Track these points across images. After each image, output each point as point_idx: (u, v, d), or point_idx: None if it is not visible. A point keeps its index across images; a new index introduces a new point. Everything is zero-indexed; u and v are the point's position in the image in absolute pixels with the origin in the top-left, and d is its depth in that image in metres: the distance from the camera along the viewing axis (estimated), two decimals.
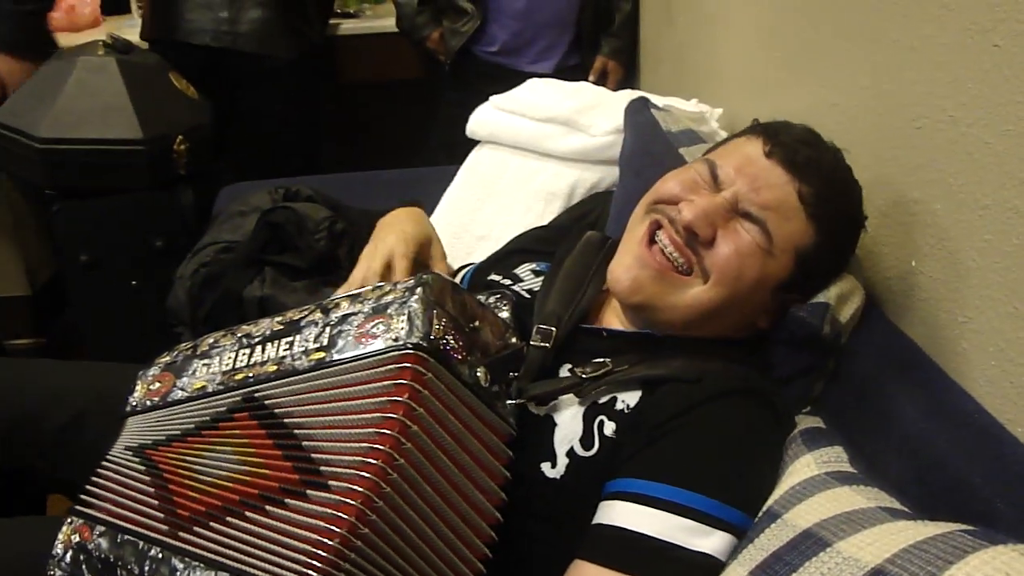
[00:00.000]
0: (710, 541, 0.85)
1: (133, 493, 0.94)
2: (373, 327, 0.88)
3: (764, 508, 0.88)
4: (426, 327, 0.86)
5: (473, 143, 1.90)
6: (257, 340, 0.98)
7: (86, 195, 2.01)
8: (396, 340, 0.86)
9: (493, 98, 1.83)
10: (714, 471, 0.89)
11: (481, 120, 1.84)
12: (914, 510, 0.82)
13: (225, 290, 1.71)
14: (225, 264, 1.74)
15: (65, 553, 0.94)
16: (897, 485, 0.88)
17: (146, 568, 0.86)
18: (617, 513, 0.88)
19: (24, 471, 1.28)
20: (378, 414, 0.82)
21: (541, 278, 1.17)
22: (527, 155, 1.77)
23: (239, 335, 1.02)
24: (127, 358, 1.30)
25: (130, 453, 0.99)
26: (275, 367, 0.92)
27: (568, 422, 0.96)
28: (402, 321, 0.86)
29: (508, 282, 1.18)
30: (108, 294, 2.11)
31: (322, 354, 0.89)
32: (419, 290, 0.89)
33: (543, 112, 1.73)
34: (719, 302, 0.98)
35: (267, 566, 0.79)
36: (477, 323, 0.94)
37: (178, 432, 0.96)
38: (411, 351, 0.84)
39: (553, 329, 1.03)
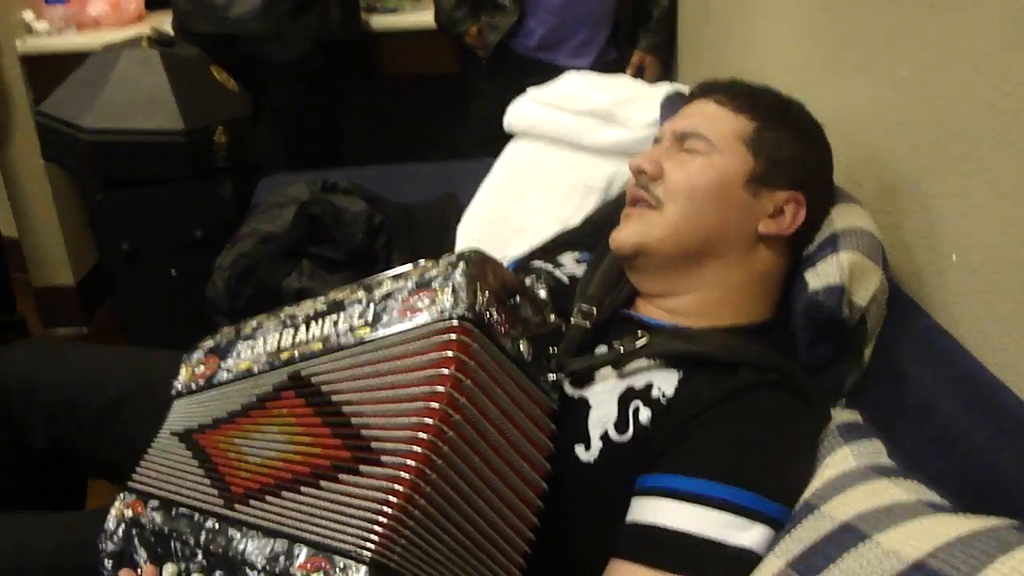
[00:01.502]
0: (749, 535, 0.85)
1: (182, 474, 0.96)
2: (417, 301, 0.89)
3: (801, 500, 0.87)
4: (470, 299, 0.86)
5: (509, 137, 1.90)
6: (301, 320, 0.99)
7: (128, 185, 2.05)
8: (441, 312, 0.86)
9: (530, 91, 1.84)
10: (749, 463, 0.89)
11: (518, 113, 1.84)
12: (954, 504, 0.81)
13: (263, 281, 1.73)
14: (263, 255, 1.76)
15: (117, 527, 0.96)
16: (936, 480, 0.86)
17: (202, 538, 0.87)
18: (653, 510, 0.88)
19: (65, 453, 1.29)
20: (426, 387, 0.82)
21: (582, 266, 1.18)
22: (564, 148, 1.77)
23: (283, 316, 1.03)
24: (166, 347, 1.32)
25: (176, 439, 1.00)
26: (320, 344, 0.93)
27: (603, 405, 0.96)
28: (447, 294, 0.87)
29: (549, 266, 1.19)
30: (148, 283, 2.15)
31: (367, 330, 0.90)
32: (462, 264, 0.90)
33: (581, 105, 1.73)
34: (687, 215, 1.03)
35: (326, 531, 0.80)
36: (518, 298, 0.94)
37: (224, 414, 0.97)
38: (456, 322, 0.85)
39: (594, 309, 1.05)
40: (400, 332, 0.88)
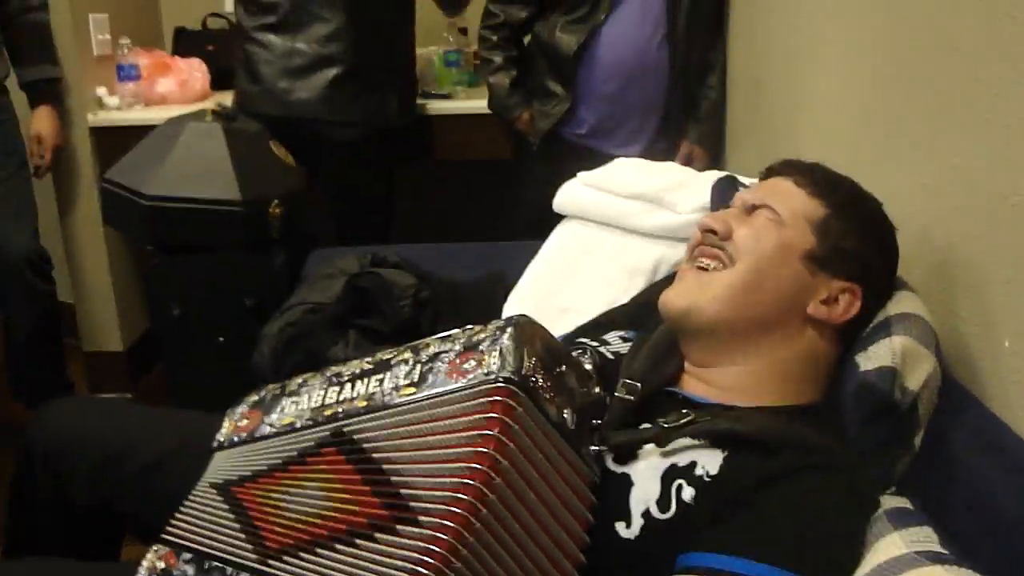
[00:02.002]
0: None
1: (217, 526, 0.95)
2: (464, 363, 0.89)
3: None
4: (517, 363, 0.86)
5: (558, 222, 1.92)
6: (347, 378, 0.99)
7: (184, 252, 2.10)
8: (487, 374, 0.86)
9: (581, 175, 1.86)
10: (792, 546, 0.87)
11: (568, 195, 1.86)
12: None
13: (309, 350, 1.74)
14: (310, 325, 1.78)
15: None
16: (991, 571, 0.83)
17: None
18: None
19: (105, 510, 1.30)
20: (469, 448, 0.82)
21: (627, 344, 1.18)
22: (612, 231, 1.78)
23: (328, 374, 1.03)
24: (213, 411, 1.33)
25: (215, 491, 1.00)
26: (365, 402, 0.94)
27: (645, 483, 0.95)
28: (494, 356, 0.87)
29: (595, 344, 1.19)
30: (197, 349, 2.18)
31: (413, 389, 0.90)
32: (510, 328, 0.90)
33: (630, 189, 1.75)
34: (748, 274, 1.04)
35: None
36: (564, 367, 0.94)
37: (264, 467, 0.97)
38: (502, 384, 0.85)
39: (638, 384, 1.04)
40: (445, 392, 0.88)
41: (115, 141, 2.59)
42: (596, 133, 2.43)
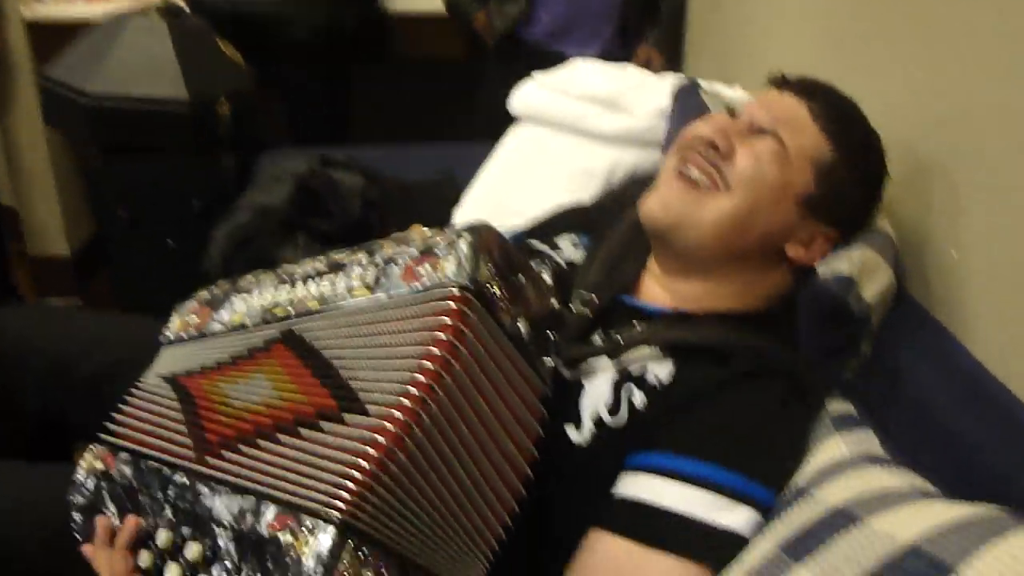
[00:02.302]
0: (734, 516, 0.85)
1: (161, 419, 0.94)
2: (419, 267, 0.87)
3: (792, 485, 0.87)
4: (473, 270, 0.85)
5: (514, 123, 1.89)
6: (299, 277, 0.98)
7: (128, 153, 2.04)
8: (443, 280, 0.85)
9: (537, 75, 1.83)
10: (737, 446, 0.89)
11: (524, 97, 1.83)
12: (947, 495, 0.80)
13: (258, 253, 1.73)
14: (259, 227, 1.76)
15: (87, 479, 0.95)
16: (930, 473, 0.86)
17: (170, 493, 0.86)
18: (638, 485, 0.88)
19: (55, 418, 1.29)
20: (421, 347, 0.81)
21: (579, 250, 1.17)
22: (568, 134, 1.76)
23: (280, 273, 1.02)
24: (161, 317, 1.31)
25: (161, 380, 0.99)
26: (316, 303, 0.92)
27: (597, 388, 0.96)
28: (450, 262, 0.85)
29: (546, 248, 1.18)
30: (145, 253, 2.14)
31: (367, 292, 0.89)
32: (468, 235, 0.88)
33: (586, 91, 1.73)
34: (743, 208, 0.99)
35: (297, 489, 0.77)
36: (522, 278, 0.93)
37: (212, 362, 0.96)
38: (457, 291, 0.83)
39: (594, 296, 1.03)
40: (399, 296, 0.87)
41: (53, 37, 2.48)
42: (553, 34, 2.39)
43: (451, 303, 0.83)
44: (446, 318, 0.82)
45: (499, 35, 2.40)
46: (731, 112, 1.07)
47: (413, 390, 0.78)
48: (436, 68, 2.90)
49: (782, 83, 1.08)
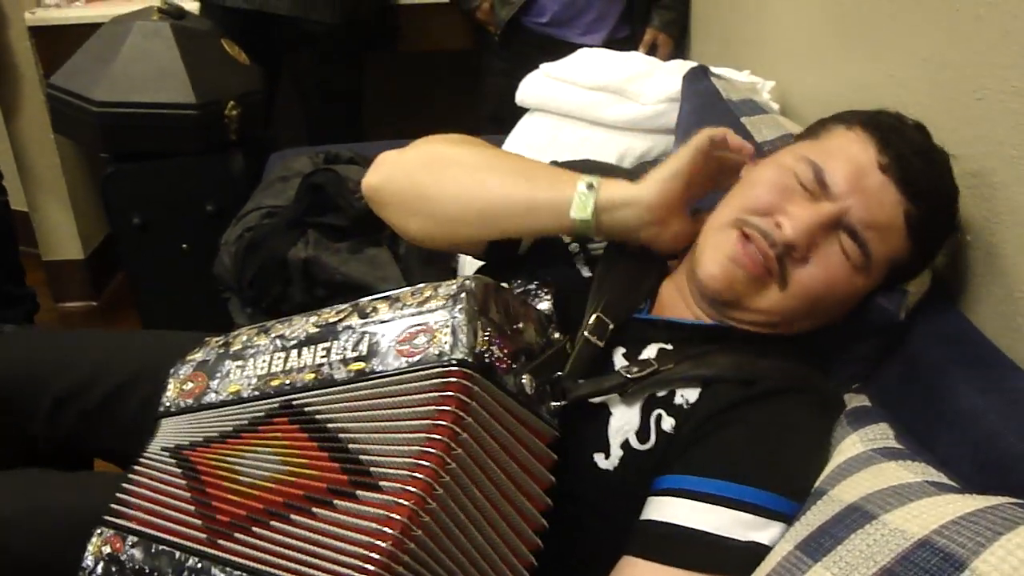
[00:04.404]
0: (766, 533, 0.84)
1: (168, 498, 0.92)
2: (415, 339, 0.85)
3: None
4: (471, 341, 0.83)
5: (520, 115, 1.89)
6: (292, 344, 0.94)
7: (139, 158, 2.05)
8: (440, 355, 0.83)
9: (544, 66, 1.82)
10: (766, 464, 0.88)
11: (531, 88, 1.83)
12: (965, 486, 0.80)
13: (269, 253, 1.73)
14: (268, 228, 1.76)
15: (96, 565, 0.92)
16: (947, 461, 0.86)
17: None
18: (669, 509, 0.86)
19: (69, 445, 1.26)
20: (427, 421, 0.80)
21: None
22: (576, 123, 1.76)
23: (273, 335, 0.98)
24: (176, 320, 1.32)
25: (166, 454, 0.97)
26: (312, 375, 0.89)
27: (624, 413, 0.93)
28: (446, 335, 0.83)
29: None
30: (159, 257, 2.15)
31: (362, 364, 0.86)
32: (463, 299, 0.86)
33: (594, 80, 1.72)
34: (799, 311, 0.96)
35: (314, 572, 0.77)
36: (520, 325, 0.91)
37: (216, 434, 0.94)
38: (456, 367, 0.81)
39: (610, 324, 0.98)
40: (397, 372, 0.84)
41: (57, 41, 2.49)
42: (558, 21, 2.38)
43: (451, 379, 0.81)
44: (448, 392, 0.80)
45: (503, 24, 2.38)
46: (821, 182, 0.94)
47: (424, 463, 0.78)
48: (441, 59, 2.89)
49: (885, 154, 0.94)
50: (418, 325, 0.86)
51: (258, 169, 2.05)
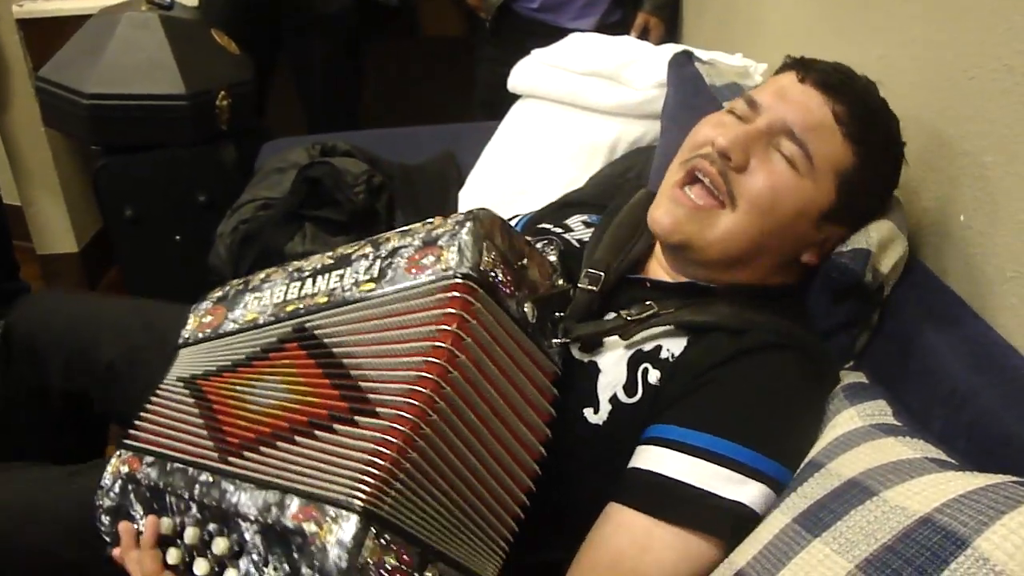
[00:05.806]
0: (746, 490, 0.86)
1: (182, 424, 0.96)
2: (423, 258, 0.88)
3: (807, 458, 0.88)
4: (475, 258, 0.86)
5: (513, 102, 1.89)
6: (308, 273, 0.99)
7: (130, 150, 2.04)
8: (446, 270, 0.86)
9: (535, 52, 1.82)
10: (753, 422, 0.89)
11: (523, 74, 1.83)
12: (961, 464, 0.81)
13: (266, 247, 1.73)
14: (264, 221, 1.76)
15: (114, 483, 0.97)
16: (943, 439, 0.87)
17: (196, 492, 0.88)
18: (654, 458, 0.89)
19: (83, 398, 1.34)
20: (426, 343, 0.82)
21: (591, 229, 1.17)
22: (569, 109, 1.76)
23: (290, 269, 1.03)
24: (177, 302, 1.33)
25: (181, 384, 1.01)
26: (325, 298, 0.94)
27: (612, 368, 0.96)
28: (452, 252, 0.87)
29: (559, 230, 1.19)
30: (153, 249, 2.15)
31: (372, 285, 0.90)
32: (469, 223, 0.89)
33: (586, 65, 1.72)
34: (752, 230, 0.97)
35: (318, 482, 0.79)
36: (525, 261, 0.94)
37: (228, 363, 0.98)
38: (460, 280, 0.84)
39: (601, 274, 1.03)
40: (403, 288, 0.88)
41: (46, 33, 2.47)
42: (549, 7, 2.36)
43: (454, 293, 0.84)
44: (450, 308, 0.83)
45: (494, 10, 2.37)
46: (750, 103, 1.01)
47: (419, 388, 0.80)
48: (432, 46, 2.88)
49: (803, 72, 1.01)
50: (426, 246, 0.90)
51: (251, 159, 2.05)
